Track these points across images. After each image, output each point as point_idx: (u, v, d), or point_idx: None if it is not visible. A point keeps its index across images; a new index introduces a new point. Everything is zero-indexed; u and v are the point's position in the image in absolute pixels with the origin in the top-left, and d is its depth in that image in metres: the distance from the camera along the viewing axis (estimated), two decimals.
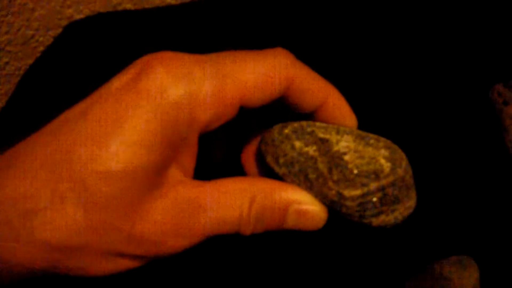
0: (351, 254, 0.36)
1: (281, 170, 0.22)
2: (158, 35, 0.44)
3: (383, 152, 0.22)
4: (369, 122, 0.26)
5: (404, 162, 0.22)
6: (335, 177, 0.22)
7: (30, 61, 0.44)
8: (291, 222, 0.22)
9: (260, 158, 0.25)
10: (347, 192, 0.21)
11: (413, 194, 0.23)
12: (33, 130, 0.21)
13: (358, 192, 0.21)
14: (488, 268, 0.34)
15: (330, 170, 0.22)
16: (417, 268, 0.35)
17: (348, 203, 0.21)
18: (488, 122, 0.40)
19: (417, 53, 0.44)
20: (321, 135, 0.23)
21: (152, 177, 0.20)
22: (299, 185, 0.22)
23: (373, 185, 0.21)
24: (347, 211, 0.22)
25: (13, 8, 0.42)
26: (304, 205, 0.22)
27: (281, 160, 0.22)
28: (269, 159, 0.23)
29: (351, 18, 0.46)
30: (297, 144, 0.22)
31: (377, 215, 0.22)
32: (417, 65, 0.43)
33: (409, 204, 0.23)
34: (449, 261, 0.34)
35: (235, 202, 0.21)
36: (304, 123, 0.23)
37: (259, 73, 0.21)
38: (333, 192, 0.22)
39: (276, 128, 0.24)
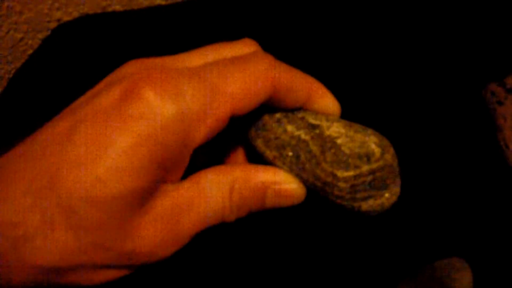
0: (345, 256, 0.36)
1: (271, 154, 0.23)
2: (147, 36, 0.44)
3: (373, 138, 0.22)
4: (361, 120, 0.26)
5: (392, 149, 0.23)
6: (328, 159, 0.22)
7: (20, 64, 0.44)
8: (270, 202, 0.23)
9: (248, 146, 0.25)
10: (340, 173, 0.22)
11: (398, 181, 0.23)
12: (22, 135, 0.20)
13: (351, 173, 0.22)
14: (481, 270, 0.34)
15: (323, 152, 0.22)
16: (410, 271, 0.35)
17: (341, 184, 0.22)
18: (481, 121, 0.40)
19: (411, 53, 0.43)
20: (312, 121, 0.23)
21: (141, 199, 0.19)
22: (290, 167, 0.22)
23: (365, 168, 0.22)
24: (340, 193, 0.22)
25: (1, 11, 0.42)
26: (281, 185, 0.22)
27: (273, 143, 0.23)
28: (259, 142, 0.23)
29: (344, 17, 0.46)
30: (289, 127, 0.23)
31: (367, 198, 0.22)
32: (412, 65, 0.43)
33: (395, 190, 0.23)
34: (442, 263, 0.35)
35: (216, 194, 0.21)
36: (294, 110, 0.23)
37: (245, 82, 0.21)
38: (327, 172, 0.22)
39: (267, 114, 0.24)
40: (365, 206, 0.22)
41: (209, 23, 0.45)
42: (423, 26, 0.45)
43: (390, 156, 0.22)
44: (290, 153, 0.22)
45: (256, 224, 0.30)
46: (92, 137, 0.19)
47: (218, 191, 0.21)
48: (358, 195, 0.22)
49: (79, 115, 0.20)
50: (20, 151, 0.20)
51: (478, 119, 0.40)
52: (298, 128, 0.23)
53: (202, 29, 0.45)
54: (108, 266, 0.20)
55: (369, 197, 0.22)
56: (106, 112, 0.19)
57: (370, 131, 0.23)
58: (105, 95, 0.20)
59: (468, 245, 0.36)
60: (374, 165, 0.22)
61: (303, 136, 0.22)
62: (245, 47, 0.23)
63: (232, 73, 0.21)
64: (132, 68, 0.21)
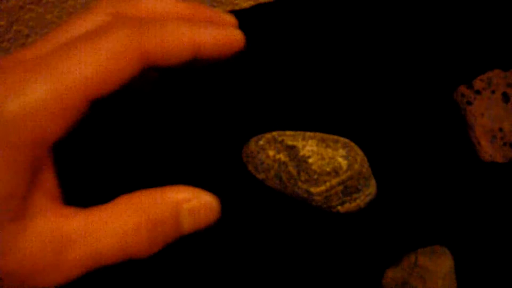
0: (330, 246, 0.37)
1: (260, 176, 0.27)
2: None
3: (341, 151, 0.26)
4: (333, 123, 0.29)
5: (359, 157, 0.26)
6: (303, 178, 0.26)
7: None
8: (187, 224, 0.20)
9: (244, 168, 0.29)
10: (313, 189, 0.26)
11: (372, 182, 0.27)
12: None
13: (322, 188, 0.26)
14: (461, 256, 0.36)
15: (298, 173, 0.26)
16: (394, 258, 0.36)
17: (316, 197, 0.26)
18: (453, 121, 0.42)
19: (386, 56, 0.44)
20: (289, 142, 0.26)
21: (8, 207, 0.17)
22: (275, 187, 0.26)
23: (334, 181, 0.25)
24: (317, 204, 0.26)
25: (9, 35, 0.44)
26: (193, 201, 0.20)
27: (260, 168, 0.26)
28: (250, 168, 0.27)
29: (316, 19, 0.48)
30: (271, 153, 0.26)
31: (342, 204, 0.26)
32: (389, 70, 0.44)
33: (368, 191, 0.27)
34: (425, 250, 0.36)
35: (118, 227, 0.18)
36: (275, 133, 0.27)
37: (101, 61, 0.18)
38: (303, 190, 0.26)
39: (253, 141, 0.28)
40: (342, 209, 0.26)
41: None
42: (395, 29, 0.45)
43: (357, 165, 0.26)
44: (274, 176, 0.26)
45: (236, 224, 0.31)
46: None
47: (122, 223, 0.18)
48: (333, 203, 0.26)
49: None
50: None
51: (451, 118, 0.42)
52: (278, 152, 0.26)
53: None
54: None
55: (344, 202, 0.26)
56: None
57: (339, 144, 0.26)
58: None
59: (448, 234, 0.38)
60: (343, 176, 0.26)
61: (283, 158, 0.26)
62: (98, 15, 0.20)
63: (83, 54, 0.18)
64: None
